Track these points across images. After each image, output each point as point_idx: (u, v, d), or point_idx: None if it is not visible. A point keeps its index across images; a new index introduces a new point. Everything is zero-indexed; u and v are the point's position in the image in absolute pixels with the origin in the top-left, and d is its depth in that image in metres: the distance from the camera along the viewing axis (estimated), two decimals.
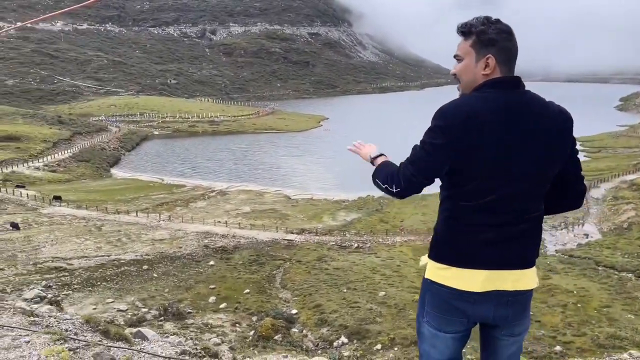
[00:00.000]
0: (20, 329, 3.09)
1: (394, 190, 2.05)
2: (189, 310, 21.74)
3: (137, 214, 39.10)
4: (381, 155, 2.28)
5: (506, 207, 1.98)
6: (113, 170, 64.61)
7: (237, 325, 20.89)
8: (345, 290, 24.34)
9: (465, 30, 2.02)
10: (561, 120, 2.01)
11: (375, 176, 2.18)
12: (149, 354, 2.73)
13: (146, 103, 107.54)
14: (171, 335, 16.92)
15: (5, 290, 21.72)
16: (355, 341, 19.05)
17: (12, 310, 3.95)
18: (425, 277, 2.14)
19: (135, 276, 26.02)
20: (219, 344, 17.96)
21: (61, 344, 2.75)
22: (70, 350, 2.69)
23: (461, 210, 2.01)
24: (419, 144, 1.99)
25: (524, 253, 2.07)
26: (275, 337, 19.18)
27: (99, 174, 61.32)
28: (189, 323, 20.34)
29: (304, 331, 20.52)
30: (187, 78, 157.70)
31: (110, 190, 50.80)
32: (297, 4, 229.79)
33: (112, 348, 2.73)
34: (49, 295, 21.31)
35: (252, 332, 19.79)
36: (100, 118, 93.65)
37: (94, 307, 21.40)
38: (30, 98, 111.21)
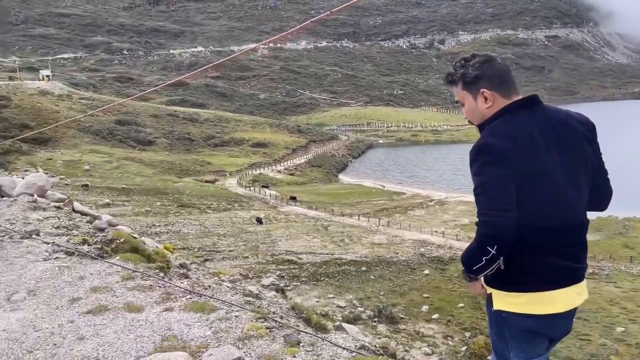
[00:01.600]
0: (236, 305, 3.58)
1: (492, 250, 1.87)
2: (402, 316, 21.97)
3: (359, 218, 41.24)
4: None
5: (566, 223, 1.97)
6: (340, 176, 69.46)
7: (449, 338, 20.34)
8: (574, 320, 21.67)
9: (451, 80, 2.10)
10: (587, 128, 2.05)
11: (468, 269, 2.00)
12: (330, 342, 2.90)
13: (373, 113, 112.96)
14: (383, 337, 17.38)
15: (248, 275, 25.10)
16: None
17: (235, 290, 4.56)
18: (496, 309, 2.03)
19: (354, 276, 27.39)
20: (429, 354, 17.79)
21: (262, 322, 3.13)
22: (267, 328, 3.03)
23: (526, 234, 1.91)
24: (478, 189, 1.91)
25: (583, 265, 2.08)
26: (489, 357, 18.12)
27: (328, 178, 66.68)
28: (400, 328, 20.57)
29: None
30: (413, 88, 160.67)
31: (337, 194, 54.69)
32: (534, 6, 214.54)
33: (300, 332, 2.98)
34: (281, 284, 23.94)
35: (464, 348, 19.03)
36: (332, 127, 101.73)
37: (317, 300, 23.14)
38: (277, 109, 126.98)
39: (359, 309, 22.42)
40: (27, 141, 54.78)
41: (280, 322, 3.11)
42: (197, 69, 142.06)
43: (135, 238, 7.24)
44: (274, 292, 10.08)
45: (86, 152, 59.47)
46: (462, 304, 23.49)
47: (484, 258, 1.88)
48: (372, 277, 27.27)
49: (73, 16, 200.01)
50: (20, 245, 5.13)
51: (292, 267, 27.96)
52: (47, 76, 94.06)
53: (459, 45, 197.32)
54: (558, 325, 2.07)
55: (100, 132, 67.38)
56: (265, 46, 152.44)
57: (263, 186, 53.91)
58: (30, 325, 3.45)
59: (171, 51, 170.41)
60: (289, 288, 22.81)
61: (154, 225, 33.04)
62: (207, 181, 56.91)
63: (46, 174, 51.22)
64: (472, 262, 1.94)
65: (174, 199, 43.51)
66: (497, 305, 2.03)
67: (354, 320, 19.65)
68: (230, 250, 30.46)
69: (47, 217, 6.01)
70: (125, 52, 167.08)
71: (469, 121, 2.13)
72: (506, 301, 2.00)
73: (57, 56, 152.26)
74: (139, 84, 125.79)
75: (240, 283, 9.48)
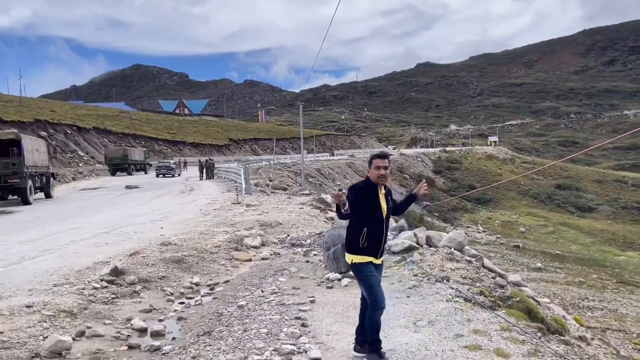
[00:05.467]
0: None
1: None
2: None
3: None
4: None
5: None
6: None
7: None
8: None
9: (387, 157, 4.20)
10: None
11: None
12: None
13: None
14: None
15: None
16: None
17: None
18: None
19: None
20: None
21: None
22: None
23: None
24: None
25: None
26: None
27: None
28: None
29: None
30: None
31: None
32: None
33: None
34: None
35: None
36: None
37: None
38: None
39: None
40: (472, 200, 61.13)
41: None
42: None
43: (537, 302, 7.59)
44: None
45: (523, 214, 61.47)
46: None
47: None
48: None
49: (524, 85, 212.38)
50: (432, 287, 6.42)
51: None
52: (494, 142, 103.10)
53: None
54: None
55: (539, 196, 68.35)
56: None
57: None
58: (423, 345, 4.50)
59: (625, 112, 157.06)
60: None
61: (586, 298, 31.19)
62: None
63: (484, 232, 55.74)
64: None
65: (613, 274, 39.87)
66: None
67: None
68: None
69: (458, 268, 7.16)
70: (572, 115, 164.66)
71: (381, 178, 4.13)
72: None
73: (505, 123, 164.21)
74: (584, 147, 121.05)
75: None
